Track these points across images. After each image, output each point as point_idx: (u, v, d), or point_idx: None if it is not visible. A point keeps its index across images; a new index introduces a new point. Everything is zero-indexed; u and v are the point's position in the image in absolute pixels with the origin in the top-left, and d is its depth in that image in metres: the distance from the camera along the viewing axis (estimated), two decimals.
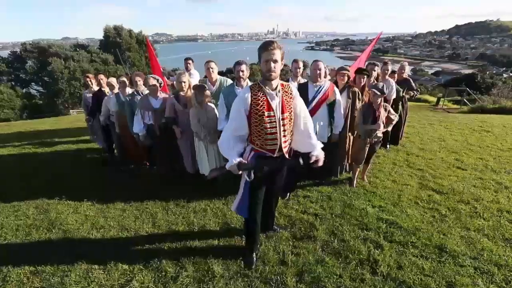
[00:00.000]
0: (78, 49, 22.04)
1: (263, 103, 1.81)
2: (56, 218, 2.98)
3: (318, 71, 2.83)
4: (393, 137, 4.83)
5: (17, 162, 4.82)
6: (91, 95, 4.39)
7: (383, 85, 3.00)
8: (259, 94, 1.81)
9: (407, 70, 4.91)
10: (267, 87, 1.82)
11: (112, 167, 4.33)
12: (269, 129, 1.85)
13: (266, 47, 1.71)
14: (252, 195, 2.04)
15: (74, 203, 3.28)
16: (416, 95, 4.79)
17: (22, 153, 5.34)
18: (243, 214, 2.15)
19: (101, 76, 4.33)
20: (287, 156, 2.00)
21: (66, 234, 2.71)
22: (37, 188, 3.72)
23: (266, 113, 1.81)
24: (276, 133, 1.87)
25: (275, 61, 1.72)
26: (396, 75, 4.46)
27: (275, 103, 1.84)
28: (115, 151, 4.60)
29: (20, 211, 3.17)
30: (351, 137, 3.42)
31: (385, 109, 3.09)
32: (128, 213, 3.02)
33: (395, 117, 3.18)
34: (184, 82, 3.15)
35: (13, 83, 22.37)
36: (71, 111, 18.26)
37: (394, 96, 4.12)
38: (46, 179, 4.01)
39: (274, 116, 1.84)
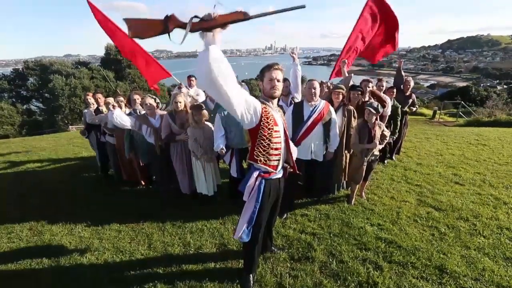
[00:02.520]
0: (79, 67, 22.44)
1: (272, 117, 1.84)
2: (50, 240, 2.93)
3: (313, 90, 2.89)
4: (392, 150, 4.91)
5: (15, 181, 4.78)
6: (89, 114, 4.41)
7: (378, 104, 3.05)
8: (268, 109, 1.85)
9: (412, 85, 4.90)
10: (270, 103, 1.88)
11: (108, 187, 4.29)
12: (275, 144, 1.88)
13: (270, 67, 1.83)
14: (258, 218, 2.00)
15: (69, 224, 3.22)
16: (416, 110, 5.04)
17: (20, 171, 5.31)
18: (244, 239, 2.09)
19: (99, 95, 4.29)
20: (292, 170, 2.05)
21: (59, 257, 2.65)
22: (33, 208, 3.68)
23: (274, 128, 1.85)
24: (281, 148, 1.92)
25: (278, 80, 1.83)
26: (394, 91, 4.44)
27: (280, 120, 1.92)
28: (110, 170, 4.58)
29: (14, 232, 3.11)
30: (347, 155, 3.43)
31: (379, 127, 3.13)
32: (124, 234, 2.97)
33: (388, 133, 3.22)
34: (180, 102, 3.19)
35: (13, 99, 22.61)
36: (70, 127, 18.33)
37: (389, 113, 4.16)
38: (42, 199, 3.97)
39: (279, 131, 1.89)
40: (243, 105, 1.65)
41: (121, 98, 3.88)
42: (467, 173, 4.39)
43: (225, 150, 2.85)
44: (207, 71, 1.38)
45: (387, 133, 3.19)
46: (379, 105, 3.03)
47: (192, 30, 1.38)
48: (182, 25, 1.36)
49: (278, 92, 1.85)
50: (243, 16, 1.40)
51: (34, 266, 2.54)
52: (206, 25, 1.36)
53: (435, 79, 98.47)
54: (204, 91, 4.84)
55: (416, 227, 2.94)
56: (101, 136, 4.28)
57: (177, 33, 1.42)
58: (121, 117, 3.19)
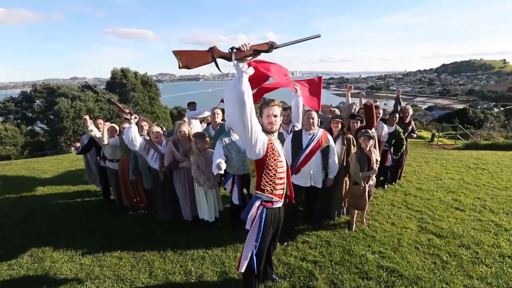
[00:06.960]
0: (85, 90, 23.09)
1: (276, 149, 1.96)
2: (51, 268, 2.91)
3: (311, 120, 3.03)
4: (393, 175, 4.95)
5: (17, 205, 4.79)
6: (88, 139, 4.37)
7: (372, 130, 3.19)
8: (272, 140, 1.96)
9: (411, 113, 5.00)
10: (271, 135, 1.98)
11: (110, 212, 4.31)
12: (280, 174, 1.98)
13: (268, 103, 1.95)
14: (260, 247, 2.03)
15: (70, 250, 3.22)
16: (416, 136, 5.44)
17: (22, 195, 5.33)
18: (254, 267, 2.07)
19: (100, 121, 4.30)
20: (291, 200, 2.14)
21: (59, 286, 2.63)
22: (34, 233, 3.68)
23: (279, 158, 1.96)
24: (284, 177, 2.01)
25: (275, 116, 1.94)
26: (397, 116, 4.53)
27: (282, 150, 2.03)
28: (112, 194, 4.60)
29: (14, 259, 3.10)
30: (347, 181, 3.49)
31: (374, 153, 3.23)
32: (125, 262, 2.96)
33: (379, 158, 3.33)
34: (184, 131, 3.32)
35: (18, 121, 23.04)
36: (72, 148, 18.42)
37: (386, 138, 4.29)
38: (43, 224, 3.97)
39: (282, 161, 1.99)
40: (260, 135, 1.79)
41: (145, 123, 3.83)
42: (467, 198, 4.41)
43: (224, 166, 2.68)
44: (238, 94, 1.59)
45: (378, 157, 3.31)
46: (373, 131, 3.16)
47: (229, 59, 1.59)
48: (225, 55, 1.59)
49: (275, 127, 1.97)
50: (272, 46, 1.66)
51: None
52: (242, 54, 1.58)
53: (432, 101, 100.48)
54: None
55: (417, 254, 2.93)
56: (101, 161, 4.34)
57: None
58: (135, 135, 3.31)
